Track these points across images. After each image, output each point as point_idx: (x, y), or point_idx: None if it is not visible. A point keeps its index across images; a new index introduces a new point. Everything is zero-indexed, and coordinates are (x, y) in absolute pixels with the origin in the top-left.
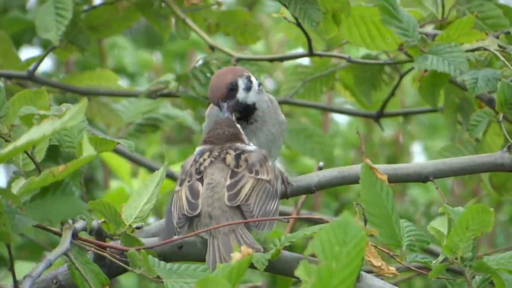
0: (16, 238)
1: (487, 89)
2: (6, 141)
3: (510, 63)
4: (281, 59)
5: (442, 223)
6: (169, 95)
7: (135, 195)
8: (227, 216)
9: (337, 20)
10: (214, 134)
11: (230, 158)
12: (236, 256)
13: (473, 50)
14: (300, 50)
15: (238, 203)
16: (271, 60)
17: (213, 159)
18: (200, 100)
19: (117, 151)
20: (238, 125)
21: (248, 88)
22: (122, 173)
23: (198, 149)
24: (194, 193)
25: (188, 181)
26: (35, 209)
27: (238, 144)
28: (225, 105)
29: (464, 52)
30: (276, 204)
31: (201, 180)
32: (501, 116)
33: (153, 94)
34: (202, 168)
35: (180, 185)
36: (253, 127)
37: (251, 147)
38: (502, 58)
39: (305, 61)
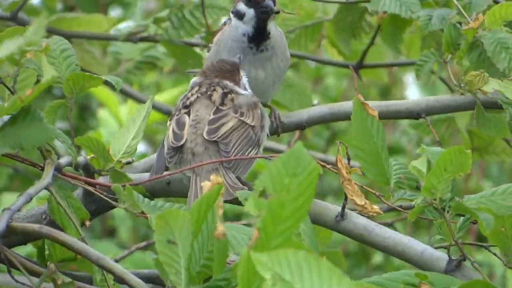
0: None
1: (440, 27)
2: None
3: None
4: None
5: (423, 162)
6: (148, 39)
7: (123, 130)
8: (210, 154)
9: None
10: (209, 66)
11: (216, 96)
12: (206, 185)
13: None
14: None
15: (215, 138)
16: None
17: (199, 95)
18: (175, 43)
19: (107, 84)
20: (240, 67)
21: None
22: (110, 105)
23: (192, 81)
24: (179, 125)
25: (177, 115)
26: (6, 137)
27: (227, 82)
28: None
29: None
30: (255, 152)
31: (188, 113)
32: (448, 56)
33: (133, 37)
34: (188, 103)
35: (170, 119)
36: (263, 56)
37: (243, 90)
38: (456, 2)
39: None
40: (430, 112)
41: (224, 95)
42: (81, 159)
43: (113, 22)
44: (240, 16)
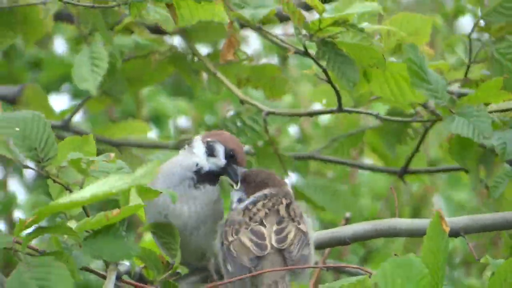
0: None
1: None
2: (54, 181)
3: None
4: (310, 115)
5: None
6: None
7: None
8: (275, 262)
9: (368, 76)
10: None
11: (282, 208)
12: None
13: (500, 111)
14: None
15: (285, 246)
16: (300, 115)
17: (268, 210)
18: None
19: None
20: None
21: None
22: None
23: (236, 194)
24: (259, 236)
25: (246, 228)
26: (89, 248)
27: (289, 190)
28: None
29: (490, 115)
30: (309, 252)
31: (262, 225)
32: None
33: (182, 145)
34: (258, 217)
35: (235, 233)
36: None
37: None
38: None
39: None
40: (468, 231)
41: (287, 206)
42: (137, 269)
43: (150, 128)
44: (208, 152)
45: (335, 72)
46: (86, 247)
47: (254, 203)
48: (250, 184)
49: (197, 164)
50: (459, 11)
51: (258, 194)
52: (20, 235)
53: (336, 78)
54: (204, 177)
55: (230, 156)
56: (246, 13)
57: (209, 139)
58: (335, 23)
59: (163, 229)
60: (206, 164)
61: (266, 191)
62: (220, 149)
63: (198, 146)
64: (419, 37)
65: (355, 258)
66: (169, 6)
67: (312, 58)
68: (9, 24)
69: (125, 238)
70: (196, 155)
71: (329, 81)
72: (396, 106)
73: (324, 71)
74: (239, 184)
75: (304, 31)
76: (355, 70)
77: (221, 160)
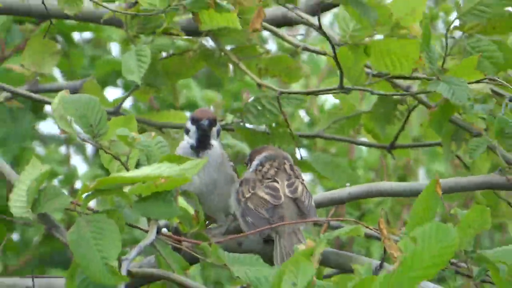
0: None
1: (483, 113)
2: (106, 152)
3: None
4: (315, 93)
5: None
6: (225, 128)
7: None
8: (291, 210)
9: (367, 51)
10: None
11: (287, 167)
12: (301, 247)
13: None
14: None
15: (297, 196)
16: (308, 94)
17: (276, 169)
18: (254, 131)
19: None
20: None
21: (218, 132)
22: None
23: (259, 159)
24: (273, 189)
25: (261, 184)
26: (140, 208)
27: (288, 155)
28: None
29: (467, 85)
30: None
31: (275, 181)
32: (496, 142)
33: None
34: (269, 175)
35: (253, 189)
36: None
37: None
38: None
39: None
40: (446, 192)
41: (291, 167)
42: (174, 224)
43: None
44: (187, 131)
45: (354, 10)
46: (136, 207)
47: (261, 164)
48: (252, 156)
49: (187, 142)
50: (433, 17)
51: (259, 156)
52: (81, 197)
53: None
54: (198, 148)
55: (194, 121)
56: None
57: (186, 121)
58: None
59: (187, 195)
60: (190, 139)
61: (265, 153)
62: (189, 122)
63: (185, 128)
64: (415, 16)
65: (352, 216)
66: (194, 13)
67: (324, 35)
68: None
69: (172, 202)
70: (186, 136)
71: (335, 59)
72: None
73: (333, 47)
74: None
75: None
76: (371, 10)
77: (192, 129)
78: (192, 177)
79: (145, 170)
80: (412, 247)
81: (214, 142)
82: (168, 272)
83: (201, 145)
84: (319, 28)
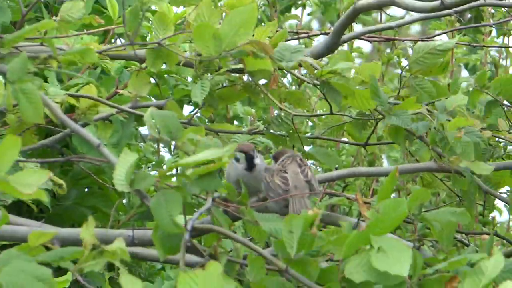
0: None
1: (423, 131)
2: (180, 150)
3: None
4: (314, 116)
5: None
6: (258, 132)
7: None
8: (304, 187)
9: (346, 96)
10: (282, 151)
11: (298, 160)
12: (309, 212)
13: (415, 114)
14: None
15: (309, 179)
16: (310, 116)
17: (289, 162)
18: (277, 135)
19: None
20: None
21: (256, 156)
22: None
23: (281, 158)
24: (284, 178)
25: (277, 174)
26: (197, 185)
27: (298, 154)
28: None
29: (410, 115)
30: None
31: (286, 172)
32: (430, 146)
33: (250, 132)
34: (284, 167)
35: (272, 176)
36: (252, 175)
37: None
38: (429, 117)
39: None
40: (403, 173)
41: (301, 160)
42: (223, 195)
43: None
44: (237, 159)
45: (329, 97)
46: (194, 184)
47: (283, 160)
48: (277, 156)
49: (241, 167)
50: (389, 59)
51: (282, 157)
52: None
53: (328, 98)
54: (249, 170)
55: (243, 152)
56: (283, 63)
57: (235, 152)
58: (330, 72)
59: (241, 182)
60: (241, 164)
61: (286, 155)
62: (237, 153)
63: (235, 157)
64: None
65: (338, 188)
66: (241, 60)
67: (318, 88)
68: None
69: (217, 178)
70: (235, 162)
71: (326, 99)
72: (360, 111)
73: (324, 94)
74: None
75: (312, 76)
76: (339, 96)
77: (242, 157)
78: (247, 178)
79: (200, 156)
80: (376, 215)
81: (257, 161)
82: (219, 227)
83: (251, 167)
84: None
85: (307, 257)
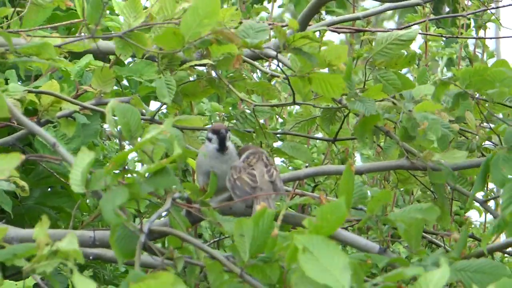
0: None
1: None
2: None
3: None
4: (277, 106)
5: None
6: None
7: None
8: (268, 188)
9: (311, 81)
10: (248, 147)
11: (265, 159)
12: (258, 207)
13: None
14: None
15: (273, 179)
16: (271, 106)
17: (255, 160)
18: (243, 132)
19: None
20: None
21: (229, 137)
22: None
23: (245, 155)
24: (252, 175)
25: (245, 171)
26: (150, 182)
27: (264, 151)
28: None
29: (375, 102)
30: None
31: (254, 169)
32: (401, 142)
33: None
34: (252, 164)
35: (239, 172)
36: (225, 158)
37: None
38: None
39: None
40: (370, 171)
41: (267, 159)
42: (185, 195)
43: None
44: (209, 139)
45: (303, 61)
46: (148, 181)
47: (247, 157)
48: (240, 152)
49: (212, 147)
50: (359, 55)
51: (246, 153)
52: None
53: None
54: (221, 150)
55: (215, 132)
56: (248, 40)
57: (208, 132)
58: (303, 37)
59: (212, 174)
60: (213, 144)
61: (250, 151)
62: (210, 133)
63: (207, 137)
64: (340, 59)
65: (308, 188)
66: (206, 49)
67: (280, 66)
68: None
69: (170, 174)
70: (209, 143)
71: (289, 83)
72: (327, 102)
73: (286, 77)
74: (227, 146)
75: (283, 41)
76: (314, 58)
77: (214, 138)
78: (219, 165)
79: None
80: (312, 224)
81: (228, 143)
82: (173, 230)
83: (223, 148)
84: (278, 65)
85: (259, 262)
